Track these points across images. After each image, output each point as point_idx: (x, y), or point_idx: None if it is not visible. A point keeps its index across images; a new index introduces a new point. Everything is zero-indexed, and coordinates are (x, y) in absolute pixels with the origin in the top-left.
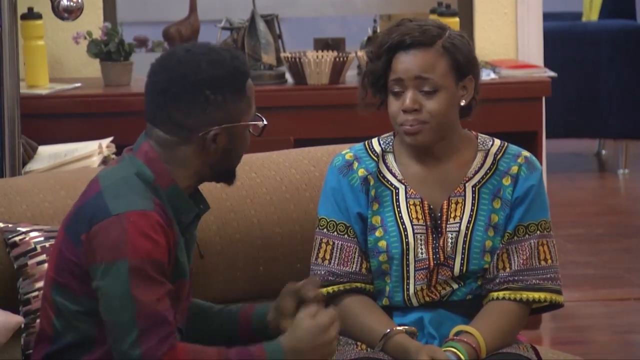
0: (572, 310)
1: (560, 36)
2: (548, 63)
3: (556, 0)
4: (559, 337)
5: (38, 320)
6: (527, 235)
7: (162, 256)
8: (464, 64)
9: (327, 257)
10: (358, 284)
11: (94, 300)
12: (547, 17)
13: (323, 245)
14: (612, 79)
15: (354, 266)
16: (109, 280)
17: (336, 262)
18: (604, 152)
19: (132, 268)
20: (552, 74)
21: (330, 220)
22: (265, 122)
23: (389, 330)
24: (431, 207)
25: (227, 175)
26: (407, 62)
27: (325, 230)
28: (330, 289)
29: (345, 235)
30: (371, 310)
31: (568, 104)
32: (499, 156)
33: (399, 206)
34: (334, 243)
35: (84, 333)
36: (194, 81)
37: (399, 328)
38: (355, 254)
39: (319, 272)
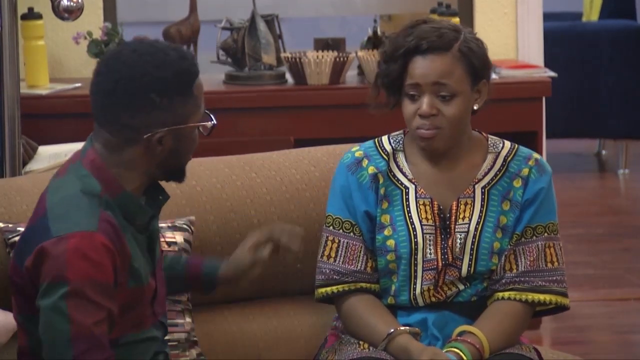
0: (572, 310)
1: (560, 36)
2: (548, 63)
3: (556, 0)
4: (559, 337)
5: None
6: (534, 237)
7: (104, 278)
8: (479, 68)
9: (333, 254)
10: (363, 284)
11: None
12: (547, 17)
13: (329, 242)
14: (612, 79)
15: (359, 265)
16: (48, 301)
17: (341, 260)
18: (604, 152)
19: (71, 291)
20: (552, 74)
21: (336, 218)
22: (214, 122)
23: (392, 330)
24: (440, 207)
25: (176, 174)
26: (424, 67)
27: (331, 227)
28: (335, 288)
29: (351, 234)
30: (376, 310)
31: (568, 104)
32: (509, 158)
33: (408, 206)
34: (339, 241)
35: None
36: (140, 84)
37: (402, 328)
38: (360, 252)
39: (324, 270)
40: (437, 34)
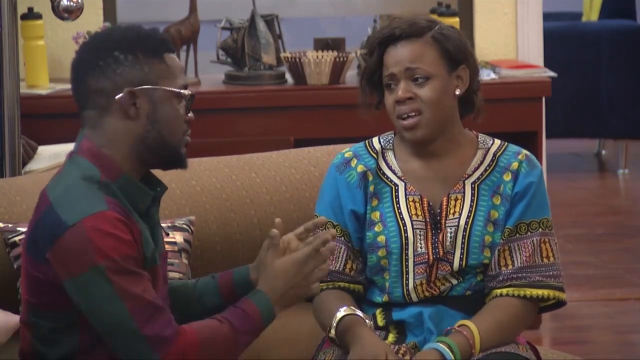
0: (572, 310)
1: (560, 36)
2: (548, 63)
3: (556, 0)
4: (559, 337)
5: None
6: (529, 233)
7: (131, 250)
8: (454, 52)
9: None
10: (341, 284)
11: (70, 313)
12: (547, 17)
13: None
14: (612, 79)
15: (338, 265)
16: (90, 291)
17: None
18: (604, 152)
19: (108, 270)
20: (552, 74)
21: None
22: (189, 92)
23: (341, 311)
24: (430, 204)
25: (170, 158)
26: (396, 55)
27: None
28: None
29: None
30: (338, 299)
31: (568, 104)
32: (499, 153)
33: (398, 203)
34: None
35: (67, 347)
36: (103, 45)
37: (351, 308)
38: (340, 253)
39: None
40: (409, 23)
